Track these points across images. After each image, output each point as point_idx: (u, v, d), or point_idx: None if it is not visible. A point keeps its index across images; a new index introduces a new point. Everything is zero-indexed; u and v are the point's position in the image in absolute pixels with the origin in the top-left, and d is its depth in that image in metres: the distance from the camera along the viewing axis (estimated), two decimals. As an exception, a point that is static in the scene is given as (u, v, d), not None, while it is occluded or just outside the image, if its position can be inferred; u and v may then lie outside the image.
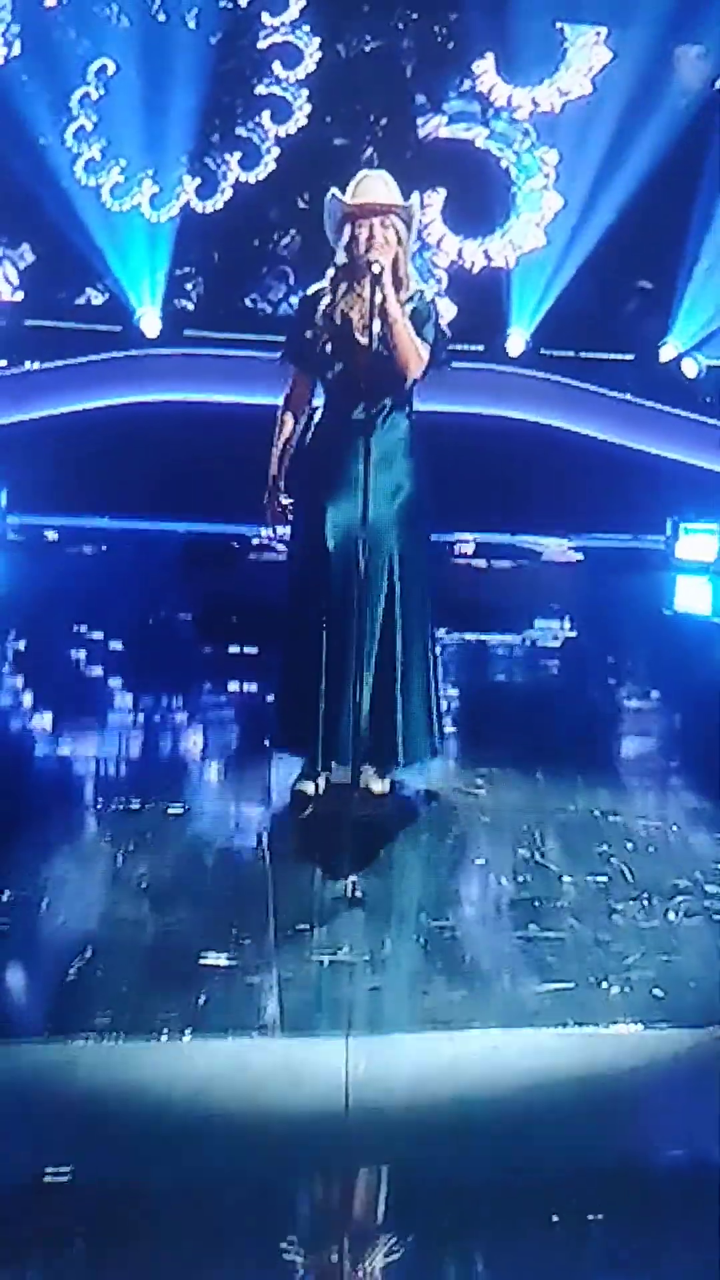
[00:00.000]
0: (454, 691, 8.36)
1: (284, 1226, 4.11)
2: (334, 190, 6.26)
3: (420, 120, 14.86)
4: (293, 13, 14.60)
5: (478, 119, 14.87)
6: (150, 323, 14.22)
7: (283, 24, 14.71)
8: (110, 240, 14.58)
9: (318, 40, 14.51)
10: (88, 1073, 4.75)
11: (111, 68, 14.58)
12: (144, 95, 14.69)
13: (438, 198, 14.43)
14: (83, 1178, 4.20)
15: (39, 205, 14.31)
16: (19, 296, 14.04)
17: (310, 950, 5.45)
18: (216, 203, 14.85)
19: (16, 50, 14.42)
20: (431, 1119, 4.64)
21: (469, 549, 11.07)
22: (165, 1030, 4.94)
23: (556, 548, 11.28)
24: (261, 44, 14.77)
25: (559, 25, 14.24)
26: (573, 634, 9.66)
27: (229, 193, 14.79)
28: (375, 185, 6.22)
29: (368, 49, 14.85)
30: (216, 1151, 4.39)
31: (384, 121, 14.69)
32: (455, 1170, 4.39)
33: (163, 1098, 4.68)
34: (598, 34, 14.31)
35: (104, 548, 11.06)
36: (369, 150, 14.62)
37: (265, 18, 14.64)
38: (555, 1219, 4.15)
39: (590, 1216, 4.16)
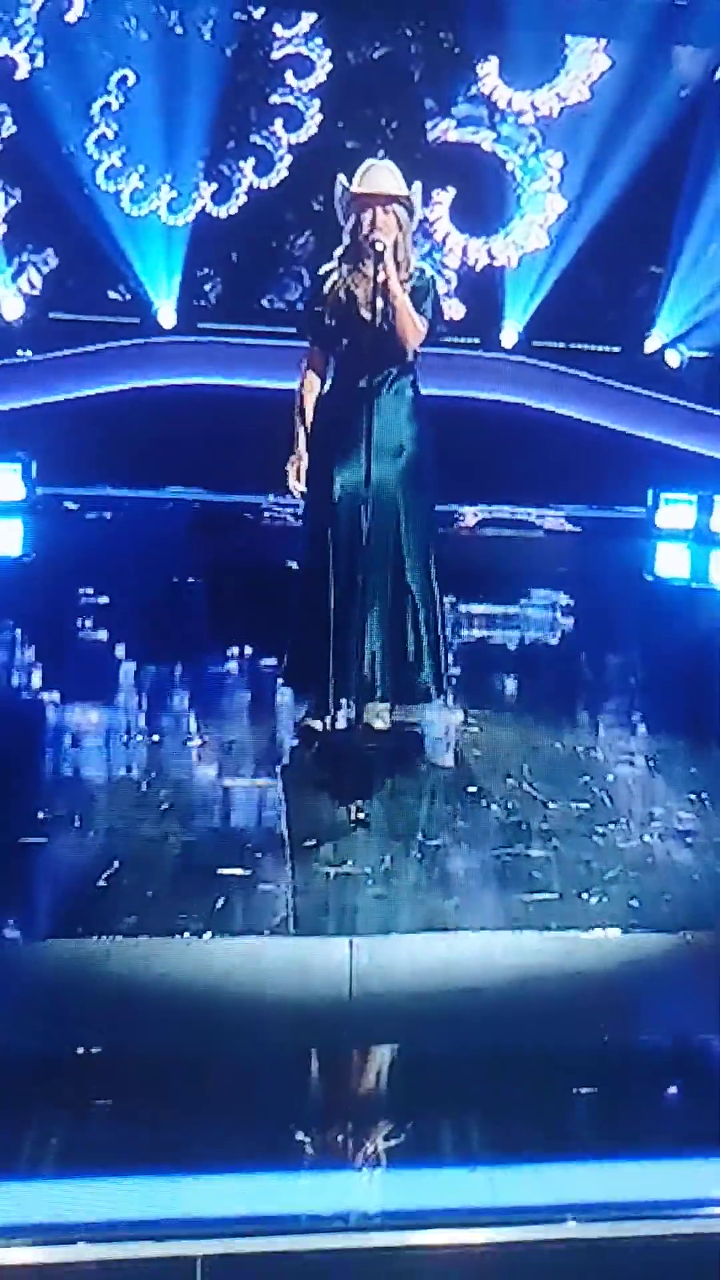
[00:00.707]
0: (455, 642, 8.61)
1: (293, 1096, 4.45)
2: (341, 178, 6.57)
3: (429, 124, 15.05)
4: (304, 25, 14.83)
5: (485, 123, 15.06)
6: (166, 316, 14.43)
7: (295, 36, 14.95)
8: (130, 243, 14.72)
9: (328, 52, 14.61)
10: (118, 965, 5.08)
11: (132, 78, 14.77)
12: (162, 104, 14.89)
13: (446, 196, 14.58)
14: (111, 1053, 4.53)
15: (63, 210, 14.45)
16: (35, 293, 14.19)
17: (318, 863, 5.78)
18: (231, 207, 15.02)
19: (40, 62, 14.54)
20: (425, 1006, 4.95)
21: (471, 521, 11.31)
22: (187, 930, 5.27)
23: (554, 520, 11.53)
24: (275, 55, 15.00)
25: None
26: (564, 595, 9.93)
27: (243, 198, 14.97)
28: (380, 174, 6.54)
29: (377, 56, 14.97)
30: (233, 1032, 4.72)
31: (394, 125, 14.84)
32: (447, 1050, 4.70)
33: (185, 987, 4.99)
34: (598, 42, 14.45)
35: (110, 514, 11.27)
36: (381, 153, 14.61)
37: (278, 30, 14.89)
38: (539, 1092, 4.47)
39: (576, 1090, 4.52)
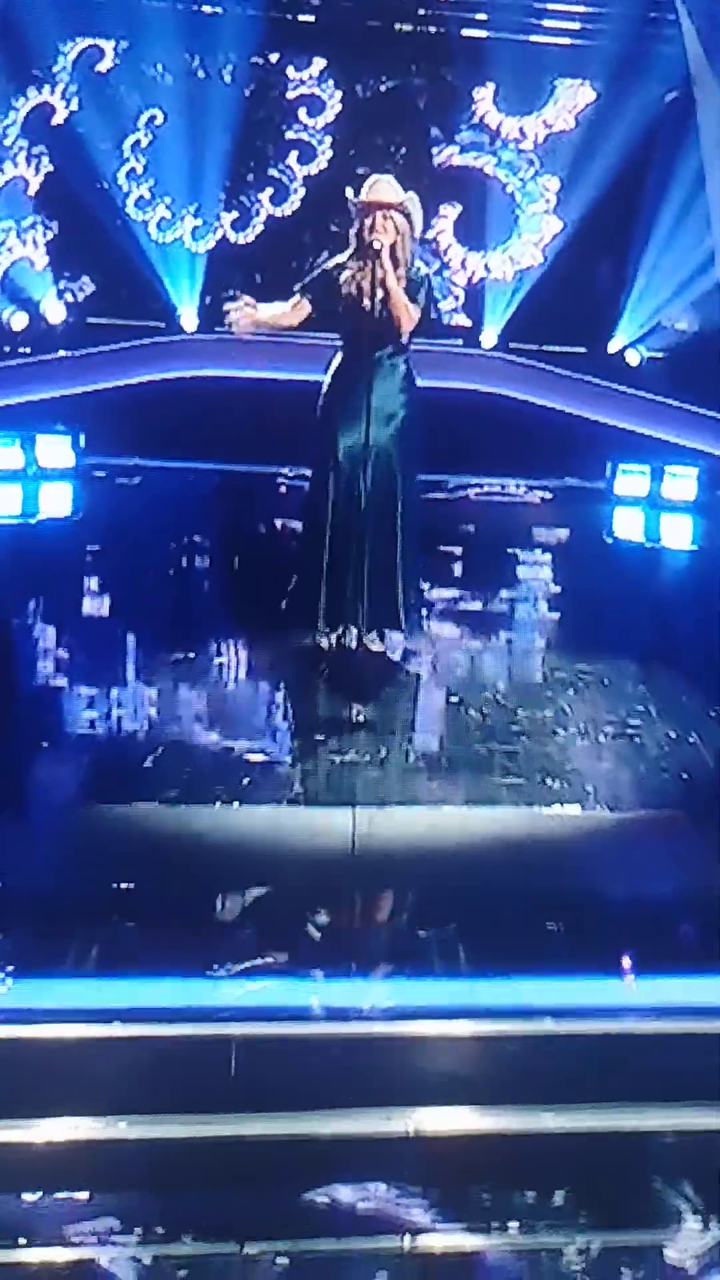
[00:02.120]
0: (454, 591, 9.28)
1: (307, 922, 5.16)
2: (349, 190, 7.19)
3: (435, 150, 14.92)
4: (315, 69, 14.81)
5: (486, 149, 14.92)
6: (189, 320, 14.73)
7: (308, 78, 14.85)
8: (158, 265, 14.99)
9: (339, 94, 14.95)
10: (159, 827, 5.86)
11: (160, 117, 14.67)
12: (187, 141, 14.76)
13: (453, 211, 14.85)
14: (146, 890, 5.26)
15: (97, 239, 14.70)
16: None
17: (325, 752, 6.55)
18: (249, 235, 15.03)
19: (75, 106, 14.84)
20: (413, 860, 5.74)
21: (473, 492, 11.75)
22: (218, 800, 6.03)
23: (529, 489, 11.98)
24: (289, 95, 14.85)
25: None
26: (538, 552, 10.41)
27: (260, 227, 14.99)
28: (381, 186, 7.24)
29: (384, 89, 15.22)
30: (256, 876, 5.46)
31: (402, 151, 15.05)
32: (431, 892, 5.46)
33: (217, 843, 5.77)
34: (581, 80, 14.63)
35: (138, 479, 11.73)
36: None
37: (291, 72, 14.77)
38: (515, 924, 5.17)
39: (549, 925, 5.21)
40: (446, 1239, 4.18)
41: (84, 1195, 4.17)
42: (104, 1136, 4.32)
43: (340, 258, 7.27)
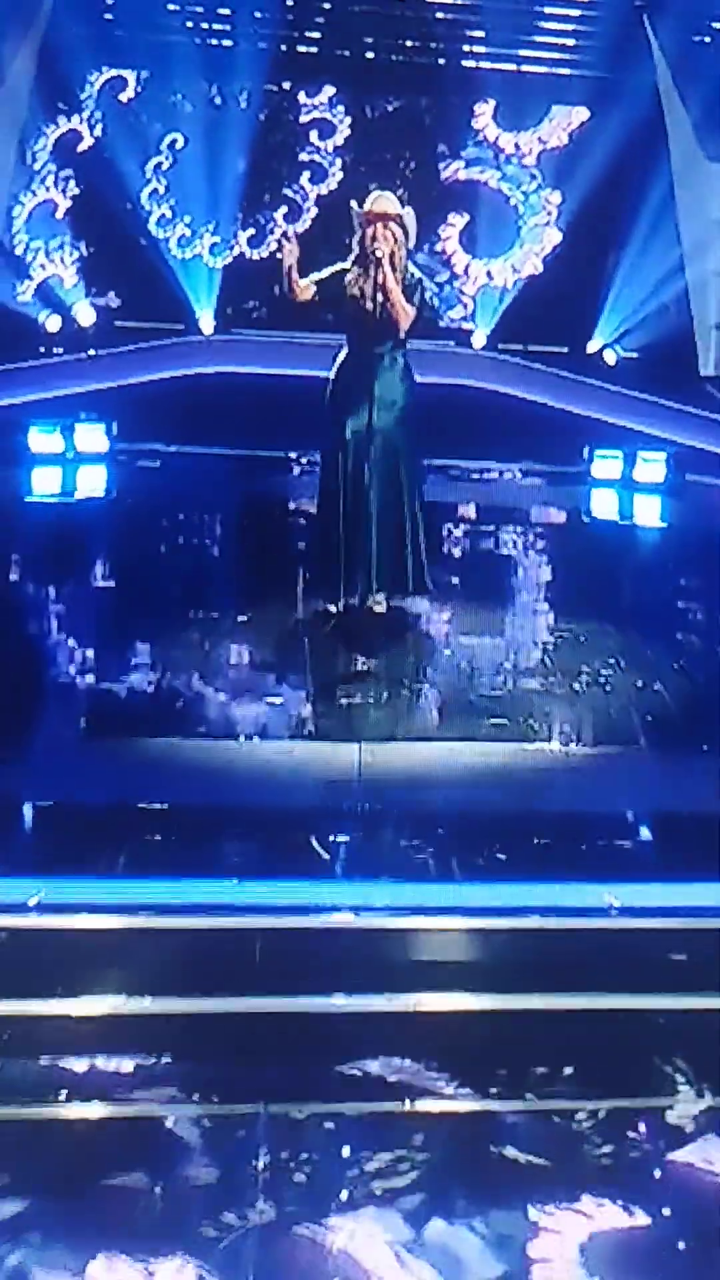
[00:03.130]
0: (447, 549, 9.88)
1: (320, 836, 5.63)
2: (353, 202, 7.66)
3: (442, 165, 15.16)
4: (325, 95, 15.10)
5: (490, 163, 15.16)
6: (206, 324, 14.94)
7: (320, 103, 15.16)
8: (180, 278, 15.11)
9: (349, 119, 15.05)
10: (187, 758, 6.45)
11: (180, 141, 14.99)
12: (206, 163, 15.06)
13: (460, 220, 14.95)
14: (184, 808, 5.82)
15: (122, 255, 14.88)
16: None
17: (334, 697, 7.18)
18: (263, 251, 15.18)
19: (99, 132, 15.07)
20: (410, 785, 6.30)
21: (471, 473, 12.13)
22: (241, 736, 6.65)
23: (518, 472, 12.36)
24: (302, 119, 15.15)
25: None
26: (523, 527, 10.87)
27: (273, 244, 15.03)
28: (381, 200, 7.84)
29: (391, 109, 15.20)
30: (274, 797, 6.05)
31: (412, 165, 15.08)
32: (425, 811, 5.96)
33: (239, 772, 6.39)
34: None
35: (158, 463, 12.17)
36: (400, 190, 14.72)
37: (302, 98, 15.10)
38: (504, 839, 5.67)
39: (528, 839, 5.72)
40: (456, 1104, 4.57)
41: (125, 1061, 4.61)
42: (144, 1011, 4.80)
43: (344, 264, 7.71)
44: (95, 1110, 4.47)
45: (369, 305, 7.64)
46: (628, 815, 6.06)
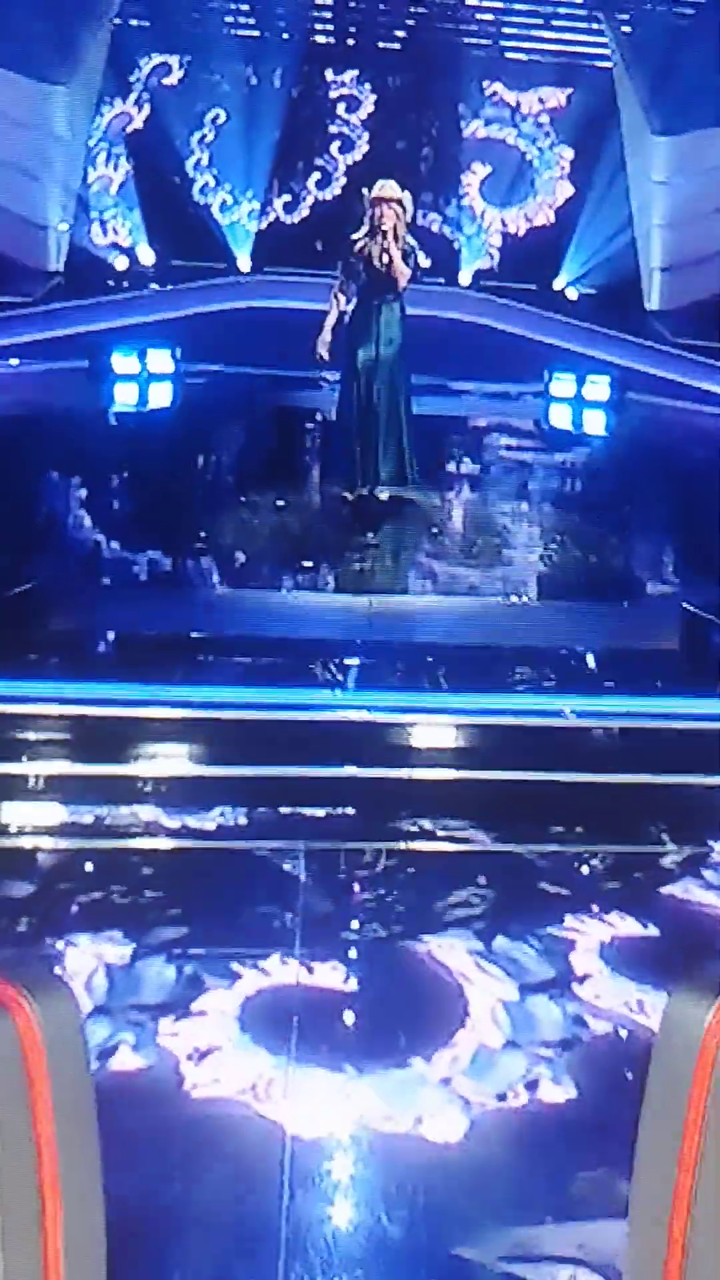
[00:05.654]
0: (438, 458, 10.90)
1: (335, 659, 6.66)
2: (365, 189, 8.59)
3: (463, 124, 15.45)
4: (352, 73, 15.37)
5: (508, 122, 15.39)
6: (244, 264, 15.47)
7: (348, 80, 15.40)
8: (223, 244, 15.43)
9: (374, 97, 15.30)
10: (238, 606, 7.72)
11: (222, 116, 15.26)
12: (245, 136, 15.34)
13: (483, 169, 15.17)
14: (237, 637, 6.99)
15: (171, 220, 15.10)
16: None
17: (349, 562, 8.41)
18: (296, 216, 15.53)
19: (147, 111, 15.37)
20: (406, 625, 7.48)
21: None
22: (281, 588, 7.88)
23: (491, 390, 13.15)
24: (331, 95, 15.40)
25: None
26: (498, 434, 11.84)
27: (306, 211, 15.52)
28: (387, 186, 8.82)
29: (412, 81, 15.34)
30: (303, 632, 7.10)
31: (436, 125, 15.38)
32: (418, 643, 7.10)
33: (278, 613, 7.45)
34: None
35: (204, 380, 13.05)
36: (426, 149, 15.35)
37: (330, 75, 15.32)
38: (484, 669, 6.67)
39: (494, 665, 6.76)
40: (467, 845, 5.32)
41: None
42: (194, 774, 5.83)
43: (357, 234, 8.73)
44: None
45: (377, 265, 8.73)
46: (576, 647, 7.02)
